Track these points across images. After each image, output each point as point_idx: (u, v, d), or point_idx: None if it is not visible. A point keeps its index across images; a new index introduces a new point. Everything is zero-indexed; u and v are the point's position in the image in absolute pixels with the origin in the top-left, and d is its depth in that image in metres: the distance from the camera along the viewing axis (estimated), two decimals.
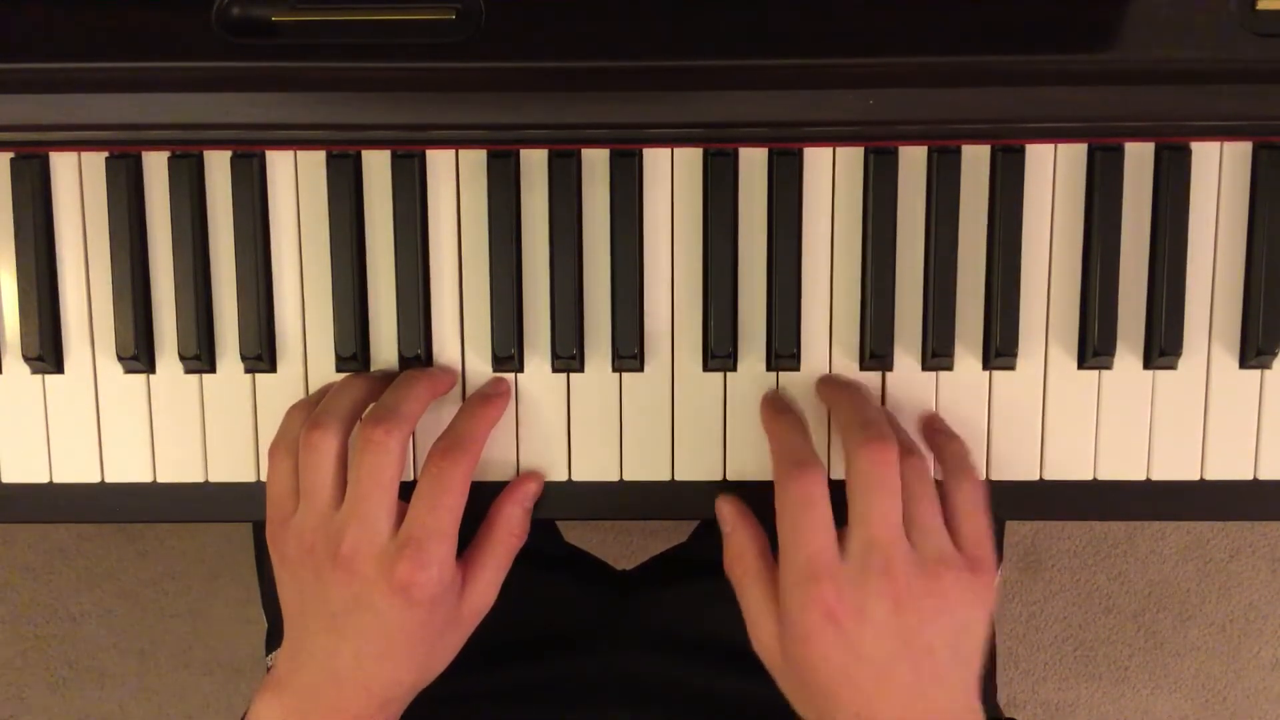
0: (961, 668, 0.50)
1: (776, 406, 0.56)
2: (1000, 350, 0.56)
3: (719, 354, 0.56)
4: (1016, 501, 0.58)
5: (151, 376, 0.58)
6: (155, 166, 0.57)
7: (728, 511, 0.55)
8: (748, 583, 0.52)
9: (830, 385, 0.56)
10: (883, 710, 0.48)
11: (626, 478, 0.58)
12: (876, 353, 0.56)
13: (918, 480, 0.51)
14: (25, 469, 0.59)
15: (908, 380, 0.57)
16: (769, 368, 0.57)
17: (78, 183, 0.57)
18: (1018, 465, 0.58)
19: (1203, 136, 0.56)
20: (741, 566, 0.53)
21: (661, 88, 0.55)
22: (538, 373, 0.58)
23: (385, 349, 0.58)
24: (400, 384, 0.55)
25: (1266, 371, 0.57)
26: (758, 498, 0.55)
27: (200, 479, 0.59)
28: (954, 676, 0.49)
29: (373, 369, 0.58)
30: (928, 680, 0.49)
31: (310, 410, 0.54)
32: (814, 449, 0.53)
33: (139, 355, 0.57)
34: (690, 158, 0.56)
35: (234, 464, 0.58)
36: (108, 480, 0.59)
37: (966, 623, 0.50)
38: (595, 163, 0.56)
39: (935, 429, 0.57)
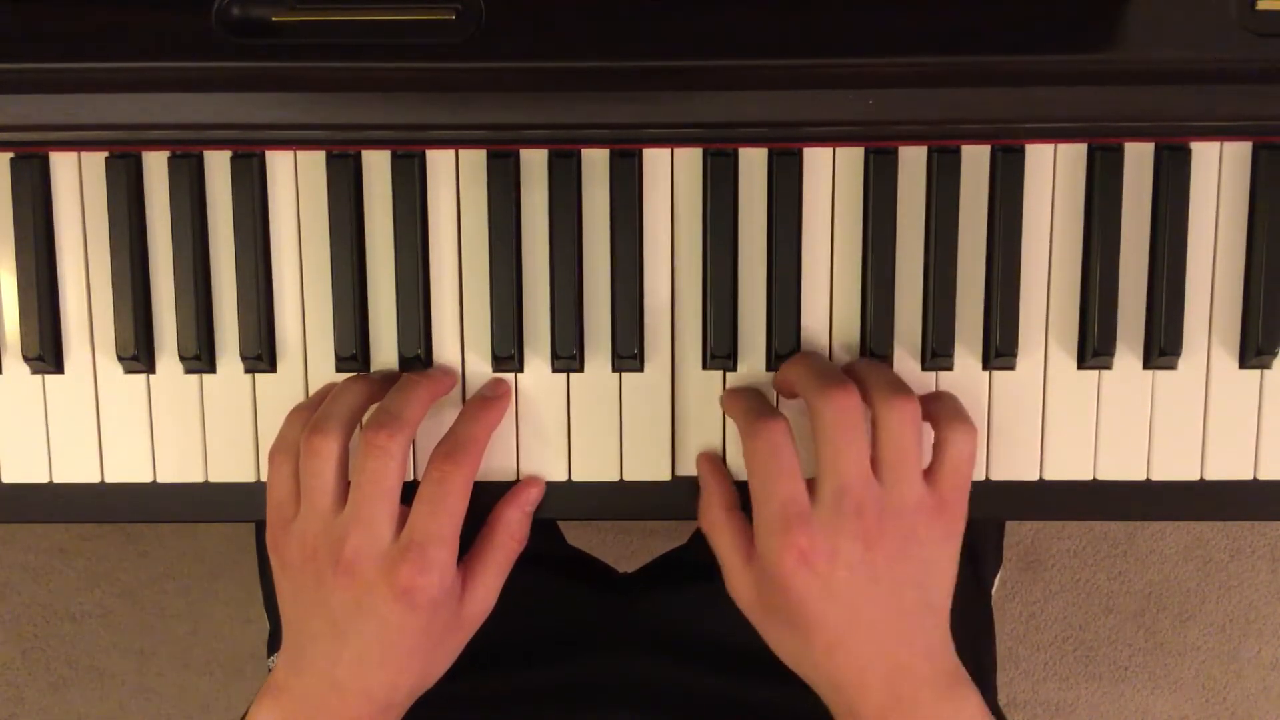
0: (930, 602, 0.52)
1: (732, 390, 0.57)
2: (1000, 350, 0.56)
3: (719, 354, 0.56)
4: (1016, 501, 0.58)
5: (151, 376, 0.58)
6: (155, 166, 0.57)
7: (704, 465, 0.57)
8: (717, 531, 0.54)
9: (783, 366, 0.56)
10: (853, 643, 0.51)
11: (626, 478, 0.58)
12: (876, 353, 0.56)
13: (898, 420, 0.51)
14: (25, 469, 0.59)
15: (908, 380, 0.57)
16: (769, 368, 0.57)
17: (78, 183, 0.57)
18: (1018, 465, 0.58)
19: (1203, 136, 0.56)
20: (710, 516, 0.55)
21: (661, 88, 0.55)
22: (538, 373, 0.58)
23: (385, 349, 0.58)
24: (401, 388, 0.55)
25: (1266, 371, 0.57)
26: None
27: (200, 479, 0.59)
28: (922, 610, 0.52)
29: (372, 369, 0.58)
30: (895, 614, 0.51)
31: (310, 414, 0.54)
32: (772, 406, 0.54)
33: (139, 355, 0.57)
34: (690, 158, 0.56)
35: (234, 464, 0.58)
36: (108, 480, 0.59)
37: (935, 560, 0.52)
38: (595, 163, 0.56)
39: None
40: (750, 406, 0.54)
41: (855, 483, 0.50)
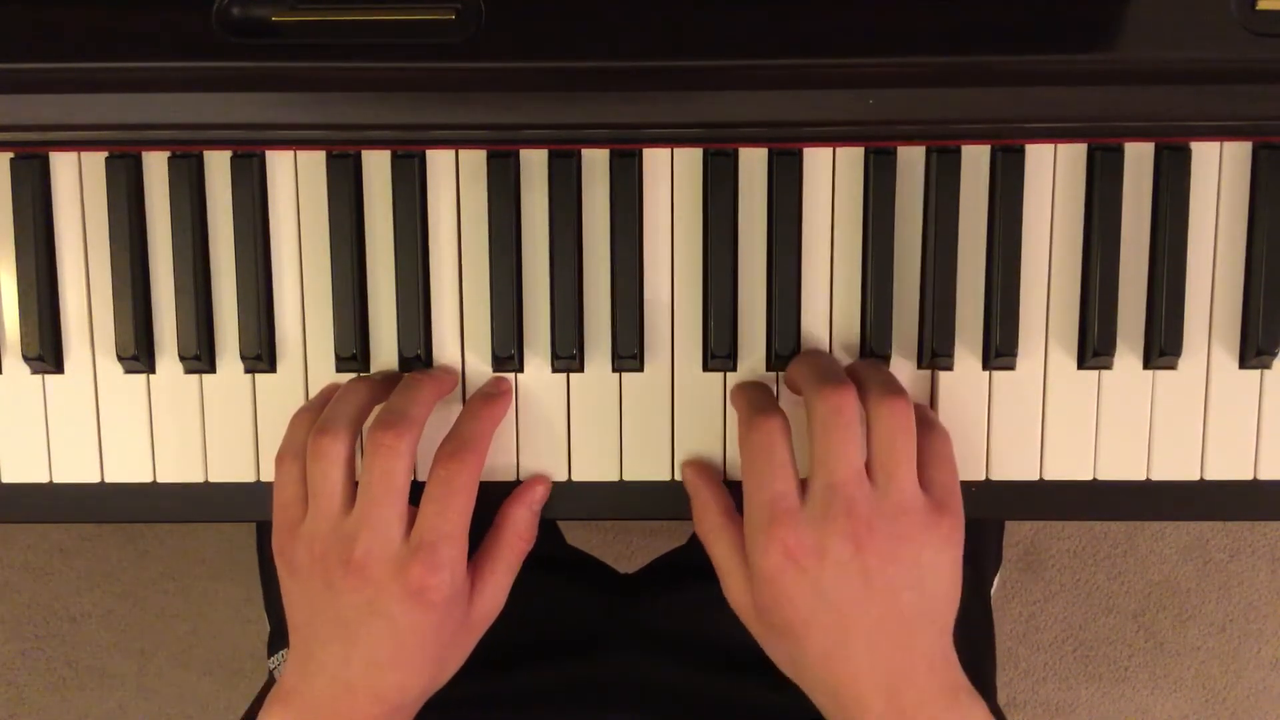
0: (929, 611, 0.50)
1: (742, 383, 0.57)
2: (1000, 350, 0.56)
3: (719, 354, 0.56)
4: (1016, 501, 0.58)
5: (151, 376, 0.58)
6: (155, 166, 0.57)
7: (690, 475, 0.56)
8: (714, 538, 0.54)
9: (791, 364, 0.56)
10: (847, 650, 0.49)
11: (626, 478, 0.58)
12: (876, 353, 0.56)
13: (889, 420, 0.51)
14: (25, 469, 0.59)
15: (908, 380, 0.57)
16: (769, 368, 0.57)
17: (78, 183, 0.57)
18: (1018, 465, 0.58)
19: (1203, 136, 0.56)
20: (707, 523, 0.54)
21: (661, 88, 0.55)
22: (538, 373, 0.58)
23: (385, 349, 0.58)
24: (406, 387, 0.55)
25: (1266, 371, 0.57)
26: None
27: (200, 479, 0.59)
28: (921, 619, 0.50)
29: (373, 369, 0.58)
30: (892, 621, 0.49)
31: (314, 416, 0.54)
32: (775, 402, 0.54)
33: (139, 355, 0.57)
34: (690, 158, 0.56)
35: (234, 464, 0.58)
36: (108, 480, 0.59)
37: (933, 564, 0.50)
38: (595, 163, 0.56)
39: None
40: (751, 400, 0.54)
41: (846, 480, 0.49)
